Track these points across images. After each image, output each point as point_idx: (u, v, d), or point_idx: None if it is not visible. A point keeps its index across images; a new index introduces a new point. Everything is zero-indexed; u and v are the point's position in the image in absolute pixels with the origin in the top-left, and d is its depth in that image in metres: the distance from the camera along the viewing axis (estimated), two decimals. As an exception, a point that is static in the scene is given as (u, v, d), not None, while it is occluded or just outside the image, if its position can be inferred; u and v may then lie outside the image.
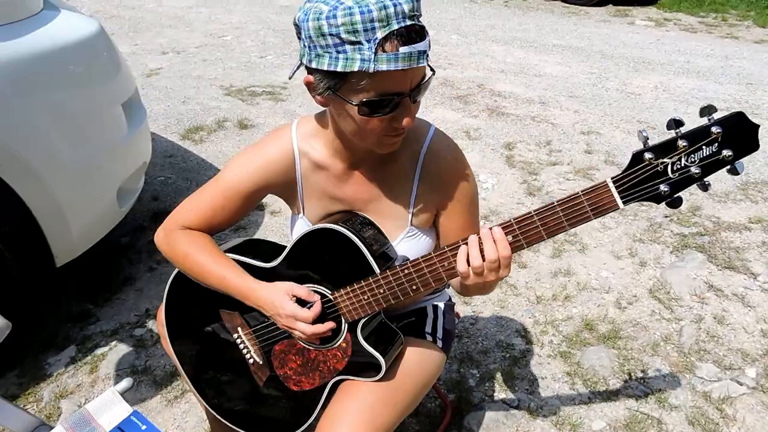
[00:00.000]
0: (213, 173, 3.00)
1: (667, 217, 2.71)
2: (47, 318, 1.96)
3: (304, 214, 1.14)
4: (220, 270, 1.05)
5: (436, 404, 1.75)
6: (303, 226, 1.15)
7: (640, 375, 1.84)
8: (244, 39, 5.68)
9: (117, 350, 1.92)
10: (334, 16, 0.77)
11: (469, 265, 0.89)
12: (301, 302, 1.00)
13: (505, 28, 6.40)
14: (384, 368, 1.05)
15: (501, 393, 1.79)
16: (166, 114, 3.83)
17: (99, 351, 1.92)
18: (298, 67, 0.93)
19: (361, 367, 1.07)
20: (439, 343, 1.24)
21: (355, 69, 0.79)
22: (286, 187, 1.12)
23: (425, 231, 1.12)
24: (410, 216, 1.09)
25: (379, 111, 0.85)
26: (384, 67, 0.78)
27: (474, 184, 1.11)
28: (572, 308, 2.15)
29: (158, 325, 1.26)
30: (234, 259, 1.10)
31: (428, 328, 1.26)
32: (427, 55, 0.83)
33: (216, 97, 4.17)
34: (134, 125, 2.00)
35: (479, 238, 0.89)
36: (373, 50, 0.78)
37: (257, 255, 1.13)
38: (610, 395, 1.77)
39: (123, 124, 1.92)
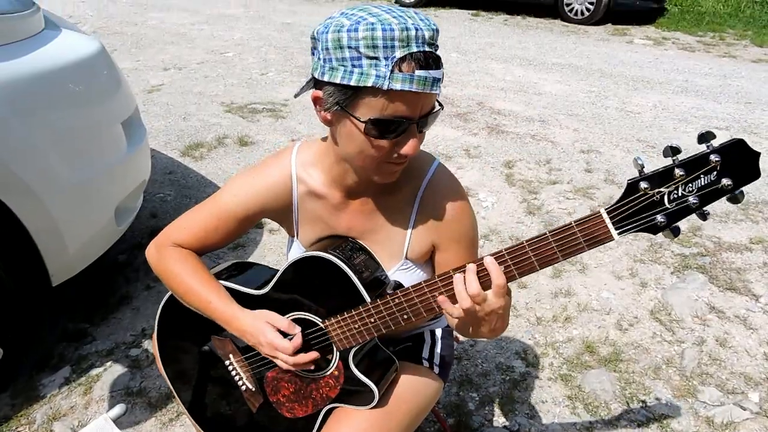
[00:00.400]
0: (212, 190, 2.99)
1: (681, 231, 2.69)
2: (43, 337, 1.95)
3: (297, 237, 1.14)
4: (206, 294, 1.04)
5: (435, 428, 1.72)
6: (297, 249, 1.14)
7: (642, 399, 1.81)
8: (245, 56, 5.72)
9: (112, 371, 1.89)
10: (356, 30, 0.78)
11: (457, 301, 0.86)
12: (285, 333, 1.00)
13: (505, 46, 6.45)
14: (377, 396, 1.03)
15: (501, 417, 1.76)
16: (167, 130, 3.84)
17: (94, 372, 1.89)
18: (307, 84, 0.93)
19: (354, 395, 1.05)
20: (436, 370, 1.22)
21: (369, 84, 0.79)
22: (282, 212, 1.11)
23: (420, 265, 1.10)
24: (405, 249, 1.07)
25: (385, 133, 0.84)
26: (398, 86, 0.78)
27: (473, 223, 1.09)
28: (573, 330, 2.13)
29: (153, 347, 1.24)
30: (224, 286, 1.09)
31: (425, 354, 1.24)
32: (440, 86, 0.82)
33: (217, 113, 4.19)
34: (134, 144, 2.00)
35: (463, 276, 0.85)
36: (390, 68, 0.78)
37: (248, 280, 1.11)
38: (612, 420, 1.74)
39: (122, 143, 1.92)
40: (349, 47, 0.78)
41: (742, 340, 2.06)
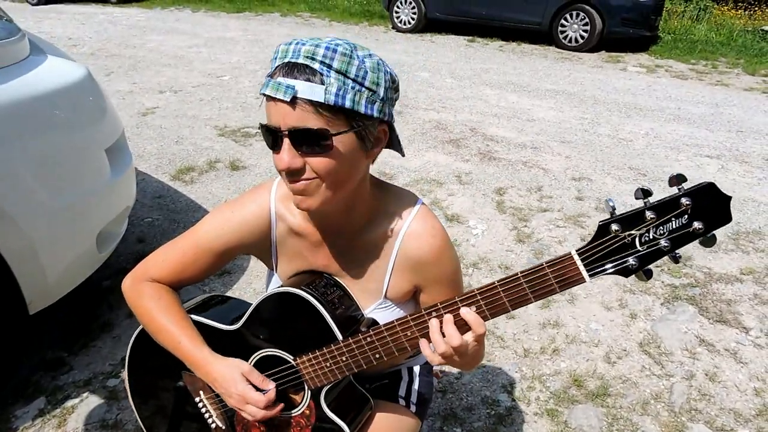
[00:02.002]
0: (201, 215, 2.97)
1: (657, 266, 2.68)
2: (18, 367, 1.91)
3: (277, 272, 1.12)
4: (177, 335, 1.02)
5: (417, 465, 1.67)
6: (276, 283, 1.12)
7: (630, 436, 1.77)
8: (241, 79, 5.76)
9: (88, 402, 1.85)
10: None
11: (435, 350, 0.86)
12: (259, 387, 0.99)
13: (500, 72, 6.51)
14: (350, 437, 1.00)
15: (485, 454, 1.72)
16: (159, 154, 3.84)
17: (69, 403, 1.85)
18: None
19: None
20: (413, 408, 1.19)
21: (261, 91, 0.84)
22: (261, 248, 1.09)
23: (399, 305, 1.08)
24: (385, 289, 1.04)
25: (269, 142, 0.86)
26: (262, 90, 0.82)
27: (455, 267, 1.05)
28: (560, 362, 2.09)
29: (124, 380, 1.21)
30: (196, 321, 1.07)
31: (402, 392, 1.21)
32: (305, 99, 0.78)
33: (210, 137, 4.19)
34: (118, 170, 1.99)
35: (440, 325, 0.85)
36: (268, 76, 0.82)
37: (221, 314, 1.09)
38: (598, 458, 1.70)
39: (106, 169, 1.91)
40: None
41: (732, 375, 2.03)
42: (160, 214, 3.04)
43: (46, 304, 1.80)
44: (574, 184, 3.59)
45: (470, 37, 8.53)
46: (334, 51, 0.79)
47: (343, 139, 0.82)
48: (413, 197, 1.04)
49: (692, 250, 2.83)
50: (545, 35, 8.06)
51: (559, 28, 7.83)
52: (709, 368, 2.06)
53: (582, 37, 7.70)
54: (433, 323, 0.85)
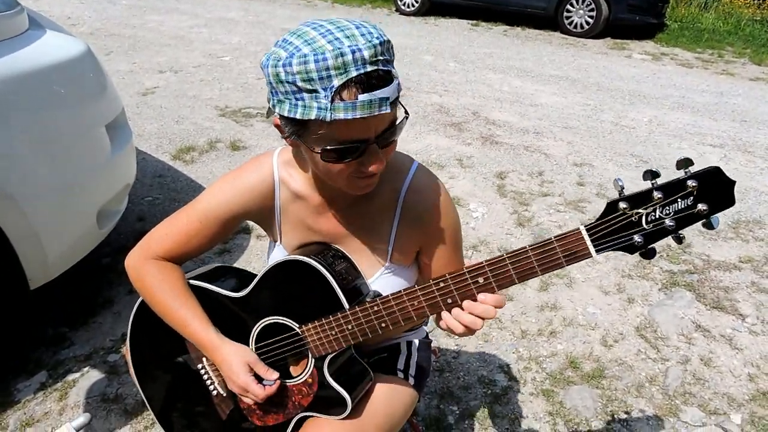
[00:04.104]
0: (201, 195, 2.97)
1: (657, 253, 2.68)
2: (20, 342, 1.92)
3: (281, 242, 1.12)
4: (185, 316, 1.03)
5: (413, 442, 1.69)
6: (280, 254, 1.12)
7: (624, 417, 1.79)
8: (242, 60, 5.72)
9: (89, 377, 1.87)
10: (290, 64, 0.75)
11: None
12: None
13: (503, 56, 6.47)
14: (350, 406, 1.01)
15: (481, 431, 1.74)
16: (159, 133, 3.83)
17: (70, 377, 1.86)
18: (272, 109, 0.92)
19: (327, 403, 1.03)
20: (411, 381, 1.21)
21: (312, 117, 0.77)
22: (265, 214, 1.09)
23: (404, 268, 1.09)
24: (389, 253, 1.06)
25: (343, 158, 0.83)
26: (341, 115, 0.75)
27: (457, 222, 1.09)
28: (557, 344, 2.11)
29: (126, 351, 1.22)
30: (203, 288, 1.08)
31: (400, 365, 1.22)
32: (393, 101, 0.80)
33: (210, 117, 4.18)
34: (118, 147, 1.98)
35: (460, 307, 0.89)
36: (330, 98, 0.75)
37: (227, 282, 1.10)
38: (592, 438, 1.72)
39: (106, 146, 1.90)
40: (288, 82, 0.77)
41: (726, 360, 2.05)
42: (161, 193, 3.05)
43: (46, 279, 1.80)
44: (575, 170, 3.58)
45: (474, 21, 8.45)
46: (381, 43, 0.77)
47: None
48: (408, 158, 1.06)
49: (692, 237, 2.84)
50: (550, 20, 7.98)
51: (565, 14, 7.75)
52: (705, 353, 2.08)
53: (587, 23, 7.62)
54: (447, 315, 0.90)
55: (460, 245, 1.12)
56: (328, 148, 0.81)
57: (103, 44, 6.01)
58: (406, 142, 3.80)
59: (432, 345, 1.39)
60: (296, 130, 0.83)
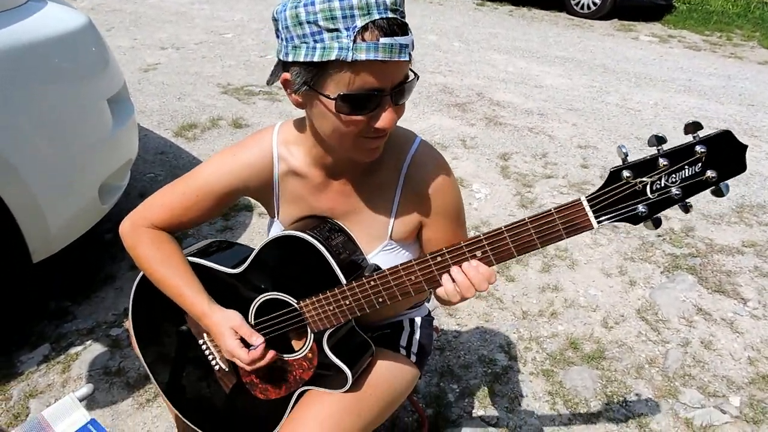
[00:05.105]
0: (203, 172, 2.96)
1: (659, 236, 2.68)
2: (23, 315, 1.93)
3: (278, 218, 1.11)
4: (178, 285, 1.03)
5: (413, 418, 1.71)
6: (278, 230, 1.12)
7: (623, 398, 1.80)
8: (244, 37, 5.66)
9: (91, 350, 1.88)
10: (312, 3, 0.75)
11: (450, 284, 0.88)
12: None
13: (508, 37, 6.38)
14: (351, 379, 1.01)
15: (480, 410, 1.75)
16: (161, 110, 3.80)
17: (73, 350, 1.88)
18: (276, 69, 0.89)
19: (328, 378, 1.03)
20: (413, 358, 1.21)
21: (333, 57, 0.76)
22: (263, 191, 1.08)
23: (405, 245, 1.09)
24: (390, 229, 1.05)
25: (357, 108, 0.81)
26: (363, 56, 0.74)
27: (459, 197, 1.07)
28: (558, 325, 2.11)
29: (128, 325, 1.23)
30: (199, 264, 1.07)
31: (403, 342, 1.22)
32: (410, 53, 0.79)
33: (212, 95, 4.14)
34: (120, 121, 1.97)
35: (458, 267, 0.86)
36: (352, 38, 0.74)
37: (225, 258, 1.09)
38: (591, 417, 1.73)
39: (108, 120, 1.89)
40: (308, 22, 0.76)
41: (727, 344, 2.05)
42: (162, 169, 3.03)
43: (49, 253, 1.81)
44: (579, 152, 3.56)
45: (479, 1, 8.33)
46: None
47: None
48: (411, 133, 1.04)
49: (695, 221, 2.83)
50: (557, 1, 7.86)
51: (572, -6, 7.64)
52: (705, 336, 2.08)
53: (594, 3, 7.51)
54: (446, 278, 0.87)
55: (463, 222, 1.11)
56: (343, 93, 0.79)
57: (104, 19, 5.94)
58: (409, 122, 3.77)
59: (434, 323, 1.40)
60: (311, 78, 0.81)
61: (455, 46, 5.83)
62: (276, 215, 1.11)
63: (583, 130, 3.92)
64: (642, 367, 1.93)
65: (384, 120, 0.83)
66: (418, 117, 3.93)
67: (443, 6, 7.99)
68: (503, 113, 4.14)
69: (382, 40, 0.75)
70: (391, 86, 0.80)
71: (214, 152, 3.23)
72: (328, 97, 0.81)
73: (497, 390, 1.82)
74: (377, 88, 0.79)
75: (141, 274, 1.13)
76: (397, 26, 0.76)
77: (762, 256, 2.59)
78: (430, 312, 1.38)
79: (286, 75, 0.85)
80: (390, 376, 1.13)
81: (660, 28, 7.36)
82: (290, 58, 0.80)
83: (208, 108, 3.89)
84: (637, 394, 1.82)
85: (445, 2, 8.27)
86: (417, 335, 1.26)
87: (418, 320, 1.30)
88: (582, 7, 7.62)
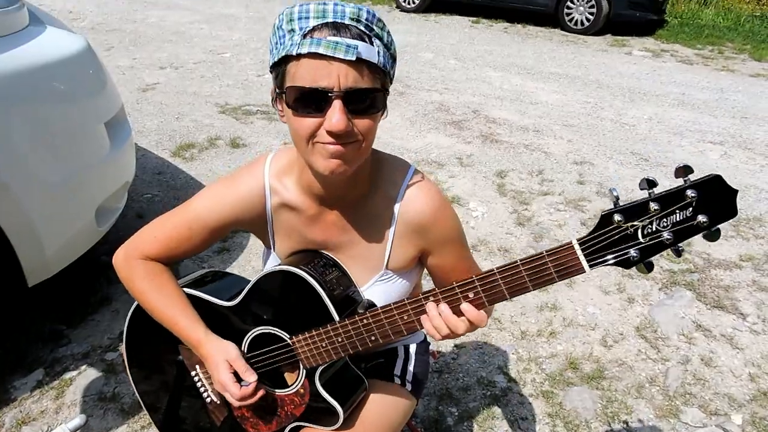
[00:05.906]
0: (200, 192, 2.96)
1: (654, 267, 2.67)
2: (17, 339, 1.92)
3: (274, 250, 1.11)
4: (174, 315, 1.02)
5: (412, 443, 1.69)
6: (273, 262, 1.11)
7: (624, 419, 1.79)
8: (243, 57, 5.70)
9: (86, 375, 1.86)
10: (282, 13, 0.82)
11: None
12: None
13: (503, 54, 6.44)
14: (342, 417, 1.00)
15: (480, 433, 1.73)
16: (159, 130, 3.81)
17: (67, 375, 1.86)
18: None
19: (320, 414, 1.02)
20: (408, 387, 1.19)
21: (284, 54, 0.80)
22: (256, 224, 1.08)
23: (402, 274, 1.07)
24: (386, 259, 1.04)
25: (306, 106, 0.81)
26: (305, 50, 0.77)
27: (457, 222, 1.06)
28: (557, 345, 2.10)
29: (122, 353, 1.22)
30: (194, 295, 1.06)
31: (397, 371, 1.21)
32: (365, 59, 0.78)
33: (210, 114, 4.16)
34: (117, 144, 1.97)
35: (437, 314, 0.86)
36: (302, 35, 0.78)
37: (219, 290, 1.09)
38: (592, 439, 1.72)
39: (105, 143, 1.89)
40: (278, 28, 0.82)
41: (727, 360, 2.04)
42: (160, 190, 3.03)
43: (44, 276, 1.80)
44: (575, 168, 3.57)
45: (475, 18, 8.42)
46: (374, 16, 0.81)
47: (383, 101, 0.86)
48: (405, 163, 1.04)
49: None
50: (551, 17, 7.95)
51: (565, 11, 7.72)
52: (705, 353, 2.07)
53: (588, 19, 7.59)
54: (433, 311, 0.85)
55: (465, 244, 1.09)
56: (291, 85, 0.81)
57: (104, 39, 5.99)
58: (406, 141, 3.78)
59: (431, 347, 1.38)
60: (278, 81, 0.85)
61: (451, 63, 5.88)
62: (272, 247, 1.11)
63: (578, 146, 3.94)
64: (642, 386, 1.92)
65: (331, 122, 0.80)
66: (415, 135, 3.95)
67: (439, 24, 8.08)
68: (499, 130, 4.16)
69: (329, 38, 0.77)
70: (339, 88, 0.79)
71: (211, 172, 3.25)
72: (283, 92, 0.84)
73: (497, 413, 1.80)
74: (324, 87, 0.79)
75: (136, 303, 1.12)
76: (347, 30, 0.78)
77: (759, 269, 2.59)
78: (426, 337, 1.36)
79: (272, 89, 0.89)
80: (384, 409, 1.11)
81: (653, 43, 7.44)
82: (269, 67, 0.86)
83: (205, 128, 3.90)
84: (638, 415, 1.80)
85: (440, 20, 8.36)
86: (412, 363, 1.24)
87: (413, 348, 1.28)
88: (576, 23, 7.71)
